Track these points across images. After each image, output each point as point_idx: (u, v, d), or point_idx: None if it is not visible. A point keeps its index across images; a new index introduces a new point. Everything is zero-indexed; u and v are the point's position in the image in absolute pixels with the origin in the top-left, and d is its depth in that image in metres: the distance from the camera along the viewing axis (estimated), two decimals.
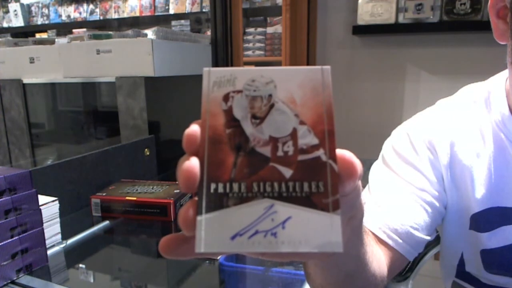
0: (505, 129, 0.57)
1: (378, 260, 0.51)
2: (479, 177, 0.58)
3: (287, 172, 0.25)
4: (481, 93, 0.61)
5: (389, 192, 0.60)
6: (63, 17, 3.16)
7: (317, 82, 0.27)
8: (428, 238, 0.59)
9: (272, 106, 0.26)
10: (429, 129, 0.61)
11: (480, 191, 0.57)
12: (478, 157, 0.58)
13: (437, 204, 0.59)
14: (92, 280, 0.77)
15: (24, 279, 0.70)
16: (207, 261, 0.77)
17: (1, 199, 0.66)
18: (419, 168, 0.60)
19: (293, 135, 0.25)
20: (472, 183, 0.58)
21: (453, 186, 0.60)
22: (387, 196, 0.60)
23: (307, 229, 0.23)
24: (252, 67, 0.27)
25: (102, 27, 2.90)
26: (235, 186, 0.24)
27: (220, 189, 0.24)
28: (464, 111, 0.61)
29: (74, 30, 2.94)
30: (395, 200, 0.59)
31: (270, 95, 0.26)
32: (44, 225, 0.75)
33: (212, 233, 0.23)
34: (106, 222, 0.97)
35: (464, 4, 1.59)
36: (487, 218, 0.58)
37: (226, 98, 0.26)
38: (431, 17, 1.64)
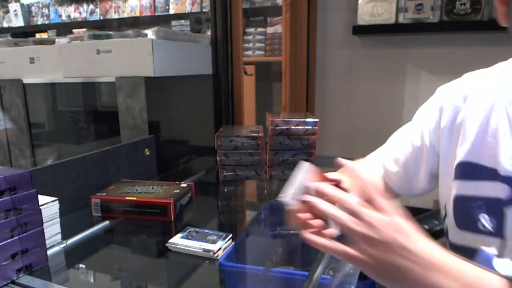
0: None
1: None
2: (470, 131, 0.65)
3: None
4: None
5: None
6: (63, 17, 3.16)
7: None
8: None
9: None
10: (446, 95, 0.72)
11: (467, 144, 0.65)
12: (474, 114, 0.66)
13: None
14: (92, 280, 0.77)
15: (24, 279, 0.70)
16: (207, 261, 0.77)
17: (1, 199, 0.66)
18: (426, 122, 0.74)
19: None
20: (463, 136, 0.66)
21: (449, 139, 0.69)
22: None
23: None
24: None
25: (102, 27, 2.91)
26: None
27: None
28: (482, 83, 0.68)
29: (74, 30, 2.95)
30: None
31: None
32: (44, 225, 0.75)
33: None
34: (106, 222, 0.97)
35: (464, 4, 1.59)
36: (464, 168, 0.65)
37: None
38: (431, 17, 1.64)
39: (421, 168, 0.76)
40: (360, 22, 1.74)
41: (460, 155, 0.65)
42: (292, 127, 1.26)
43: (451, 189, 0.68)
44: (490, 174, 0.62)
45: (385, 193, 0.52)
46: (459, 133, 0.67)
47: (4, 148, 1.72)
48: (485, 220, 0.62)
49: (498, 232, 0.61)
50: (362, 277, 0.87)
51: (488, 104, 0.64)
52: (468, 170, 0.65)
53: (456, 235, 0.68)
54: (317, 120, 1.28)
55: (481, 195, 0.63)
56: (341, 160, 0.56)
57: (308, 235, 0.54)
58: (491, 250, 0.62)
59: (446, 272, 0.49)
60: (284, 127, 1.26)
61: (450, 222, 0.69)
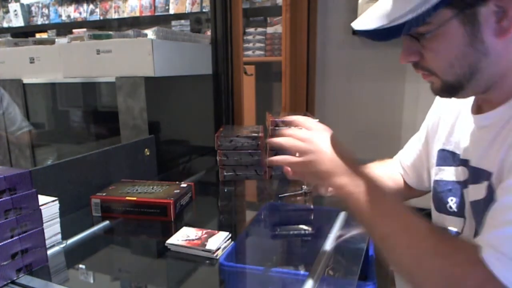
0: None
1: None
2: (448, 124, 0.77)
3: None
4: None
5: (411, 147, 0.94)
6: (63, 17, 3.16)
7: None
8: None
9: None
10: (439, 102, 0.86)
11: (444, 134, 0.78)
12: (454, 110, 0.77)
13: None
14: (92, 280, 0.77)
15: (24, 279, 0.70)
16: (207, 261, 0.77)
17: (1, 199, 0.66)
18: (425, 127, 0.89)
19: None
20: (445, 128, 0.78)
21: (437, 132, 0.81)
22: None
23: None
24: None
25: (102, 27, 2.91)
26: None
27: None
28: None
29: (74, 30, 2.94)
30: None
31: None
32: (44, 225, 0.75)
33: None
34: (106, 222, 0.97)
35: None
36: (440, 155, 0.77)
37: None
38: None
39: (423, 163, 0.89)
40: None
41: (440, 144, 0.78)
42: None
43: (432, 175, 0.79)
44: (457, 159, 0.73)
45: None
46: (442, 125, 0.80)
47: (4, 148, 1.72)
48: (452, 203, 0.73)
49: (460, 212, 0.71)
50: (362, 277, 0.87)
51: (460, 104, 0.75)
52: (443, 157, 0.76)
53: (435, 217, 0.78)
54: (317, 120, 1.27)
55: (450, 179, 0.74)
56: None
57: (270, 158, 0.74)
58: (456, 229, 0.73)
59: (346, 174, 0.64)
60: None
61: (432, 206, 0.79)
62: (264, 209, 1.10)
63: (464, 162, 0.70)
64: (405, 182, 0.96)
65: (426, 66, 0.62)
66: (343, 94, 1.94)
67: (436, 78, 0.62)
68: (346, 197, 0.64)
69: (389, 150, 1.07)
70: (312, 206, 1.14)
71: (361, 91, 1.91)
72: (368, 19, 0.60)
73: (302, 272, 0.73)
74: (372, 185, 0.62)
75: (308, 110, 1.93)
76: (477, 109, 0.70)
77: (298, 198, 1.15)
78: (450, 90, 0.63)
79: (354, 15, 1.76)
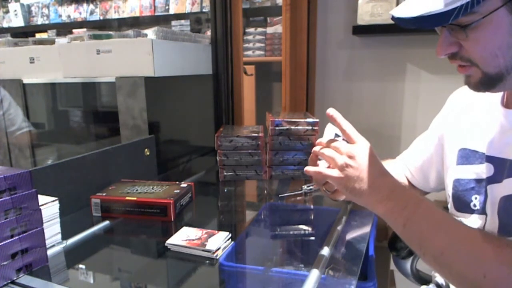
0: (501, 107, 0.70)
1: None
2: (469, 123, 0.77)
3: None
4: None
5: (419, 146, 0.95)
6: (63, 17, 3.16)
7: None
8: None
9: None
10: (454, 96, 0.86)
11: (465, 133, 0.77)
12: (472, 109, 0.77)
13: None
14: (92, 280, 0.77)
15: (24, 279, 0.70)
16: (207, 261, 0.77)
17: (1, 199, 0.66)
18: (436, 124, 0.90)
19: None
20: (464, 126, 0.78)
21: (454, 130, 0.80)
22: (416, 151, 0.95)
23: None
24: None
25: (102, 27, 2.90)
26: None
27: None
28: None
29: (74, 30, 2.95)
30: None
31: None
32: (44, 225, 0.75)
33: None
34: (106, 222, 0.97)
35: None
36: (461, 154, 0.76)
37: None
38: None
39: (433, 164, 0.89)
40: (360, 22, 1.74)
41: (460, 143, 0.77)
42: (292, 127, 1.26)
43: (451, 174, 0.78)
44: (480, 157, 0.72)
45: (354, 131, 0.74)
46: (461, 124, 0.79)
47: (4, 148, 1.72)
48: (476, 201, 0.72)
49: (483, 209, 0.70)
50: (362, 277, 0.87)
51: (482, 102, 0.75)
52: (465, 155, 0.75)
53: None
54: (317, 120, 1.28)
55: (472, 177, 0.73)
56: (330, 112, 0.77)
57: (306, 167, 0.73)
58: (476, 226, 0.71)
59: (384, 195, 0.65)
60: (284, 127, 1.26)
61: (450, 207, 0.78)
62: (264, 209, 1.10)
63: (489, 159, 0.69)
64: (410, 183, 0.96)
65: (466, 56, 0.60)
66: (343, 94, 1.94)
67: (476, 70, 0.60)
68: (388, 218, 0.65)
69: (389, 150, 1.08)
70: (312, 206, 1.14)
71: (361, 91, 1.91)
72: (409, 6, 0.57)
73: (302, 272, 0.73)
74: (416, 202, 0.63)
75: (308, 110, 1.93)
76: (507, 104, 0.69)
77: (298, 198, 1.15)
78: (489, 82, 0.60)
79: (354, 15, 1.76)
